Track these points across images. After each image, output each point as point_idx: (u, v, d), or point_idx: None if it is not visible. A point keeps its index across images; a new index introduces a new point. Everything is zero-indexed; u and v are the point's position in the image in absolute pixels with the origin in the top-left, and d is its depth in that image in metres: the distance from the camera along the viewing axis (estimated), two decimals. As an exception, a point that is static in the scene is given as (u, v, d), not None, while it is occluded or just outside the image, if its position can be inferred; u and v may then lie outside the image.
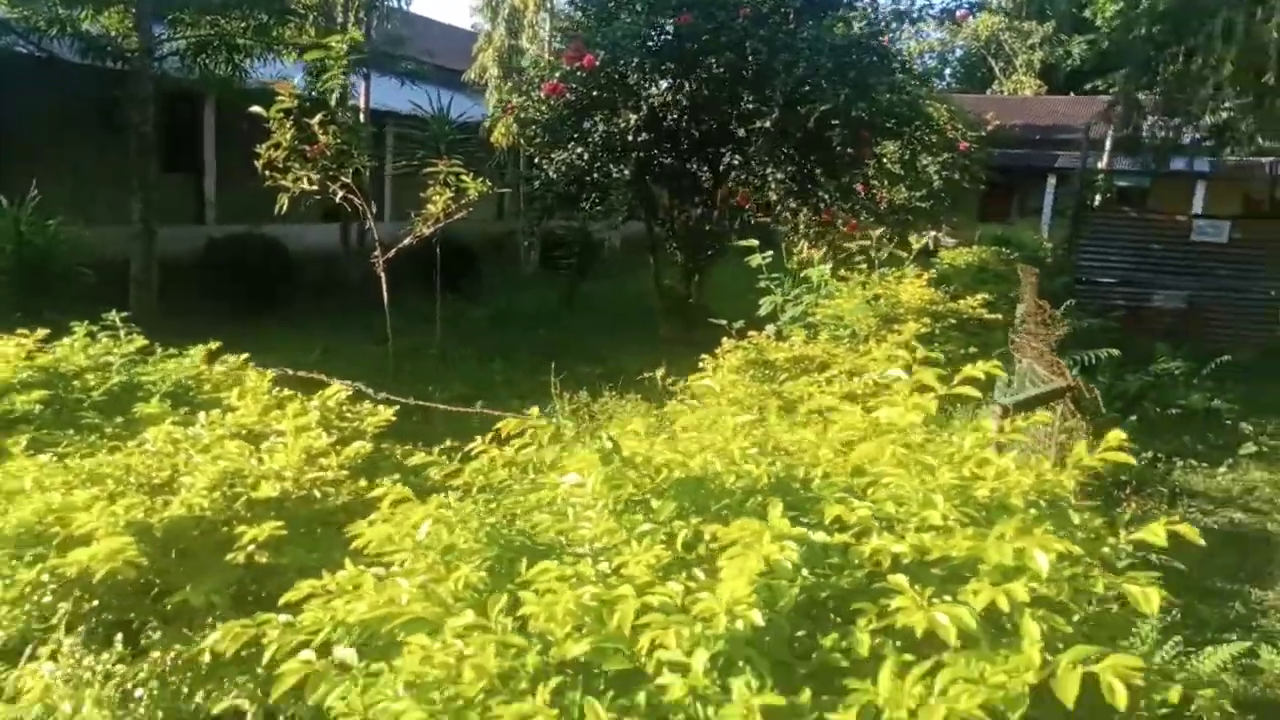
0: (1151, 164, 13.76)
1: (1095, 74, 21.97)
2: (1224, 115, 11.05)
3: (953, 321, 8.00)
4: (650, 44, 9.22)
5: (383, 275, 8.26)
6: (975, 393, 1.94)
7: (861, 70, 8.97)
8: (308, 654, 1.52)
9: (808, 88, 8.73)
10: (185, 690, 2.20)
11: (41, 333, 3.39)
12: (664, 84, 9.46)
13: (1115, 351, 8.91)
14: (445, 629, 1.44)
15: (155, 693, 2.18)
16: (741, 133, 9.75)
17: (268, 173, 7.95)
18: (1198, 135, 12.29)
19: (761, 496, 1.76)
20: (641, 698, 1.37)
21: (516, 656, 1.41)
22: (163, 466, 2.48)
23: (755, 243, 6.28)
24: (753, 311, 13.15)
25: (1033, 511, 1.66)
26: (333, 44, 7.04)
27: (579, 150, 10.32)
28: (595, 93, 9.83)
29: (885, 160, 12.78)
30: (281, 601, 1.75)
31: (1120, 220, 13.56)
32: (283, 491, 2.36)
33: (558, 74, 9.90)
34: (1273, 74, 9.03)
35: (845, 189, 10.12)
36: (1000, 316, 8.79)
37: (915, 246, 9.31)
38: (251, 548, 2.17)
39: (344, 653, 1.53)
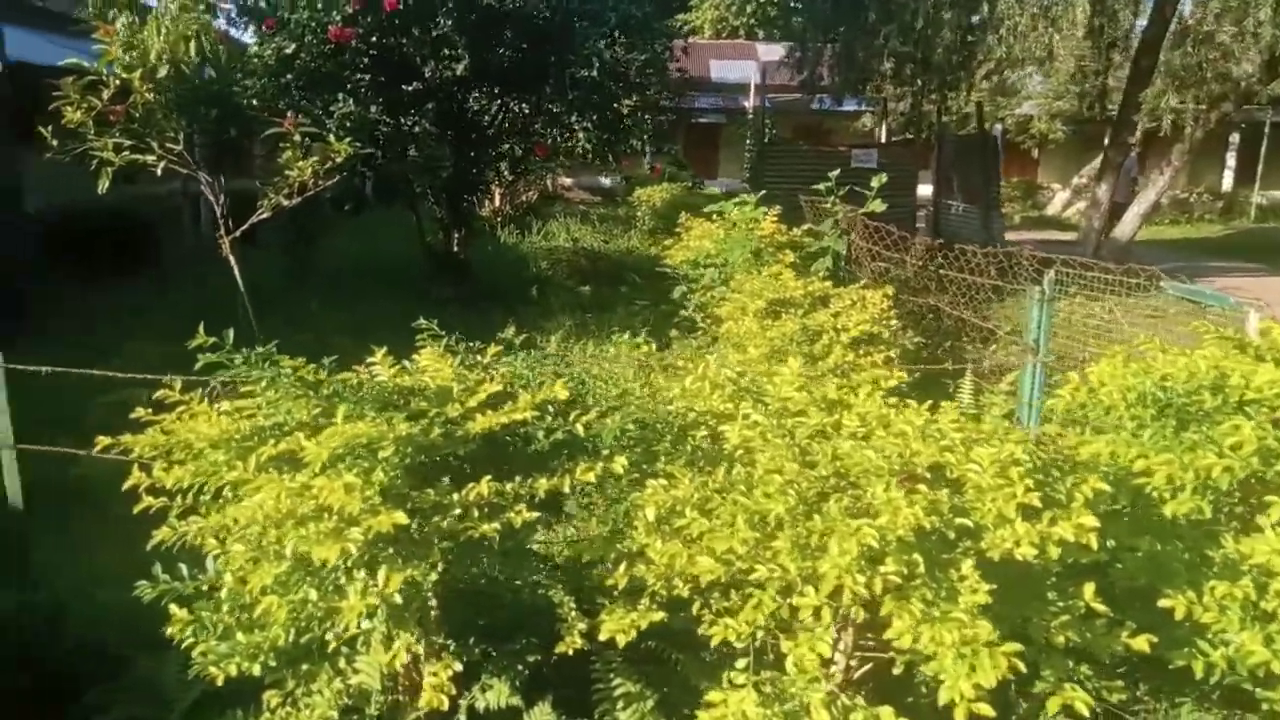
0: (833, 104, 15.97)
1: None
2: (890, 64, 13.33)
3: (810, 252, 8.96)
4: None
5: (232, 259, 7.10)
6: None
7: (663, 20, 9.38)
8: None
9: (622, 35, 8.93)
10: None
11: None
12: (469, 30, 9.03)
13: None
14: None
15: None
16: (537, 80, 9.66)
17: (54, 143, 6.35)
18: (865, 79, 14.64)
19: None
20: None
21: None
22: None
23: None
24: (515, 269, 13.12)
25: None
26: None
27: (352, 103, 9.48)
28: (385, 39, 9.08)
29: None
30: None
31: (796, 153, 15.63)
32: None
33: (339, 18, 8.93)
34: (952, 42, 11.21)
35: (660, 135, 10.51)
36: (832, 245, 9.99)
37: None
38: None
39: None
